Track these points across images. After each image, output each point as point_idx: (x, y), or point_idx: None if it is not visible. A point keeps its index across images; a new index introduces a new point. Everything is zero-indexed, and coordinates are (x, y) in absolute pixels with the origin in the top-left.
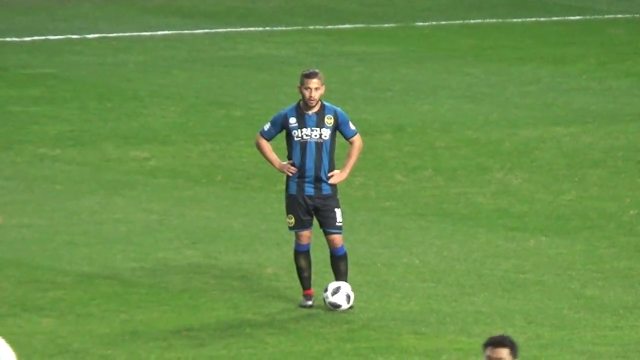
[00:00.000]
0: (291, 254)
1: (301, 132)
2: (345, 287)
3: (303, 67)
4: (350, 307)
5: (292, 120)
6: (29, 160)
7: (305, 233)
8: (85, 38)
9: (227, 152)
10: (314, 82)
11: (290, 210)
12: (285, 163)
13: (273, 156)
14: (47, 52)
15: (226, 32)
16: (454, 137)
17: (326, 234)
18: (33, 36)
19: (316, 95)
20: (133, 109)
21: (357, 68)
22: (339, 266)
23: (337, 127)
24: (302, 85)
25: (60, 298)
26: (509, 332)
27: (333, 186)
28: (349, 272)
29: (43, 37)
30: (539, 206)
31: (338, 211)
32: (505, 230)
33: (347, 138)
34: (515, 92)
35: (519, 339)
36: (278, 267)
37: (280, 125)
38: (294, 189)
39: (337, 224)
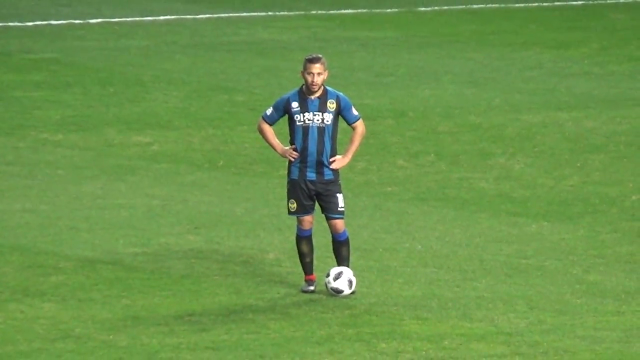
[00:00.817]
0: (293, 239)
1: (303, 116)
2: (348, 272)
3: (305, 52)
4: (353, 293)
5: (295, 105)
6: (31, 145)
7: (307, 218)
8: (88, 23)
9: (230, 137)
10: (316, 67)
11: (291, 195)
12: (287, 148)
13: (275, 141)
14: (50, 37)
15: (228, 17)
16: (457, 122)
17: (328, 219)
18: (36, 21)
19: (319, 80)
20: (135, 94)
21: (359, 53)
22: (340, 251)
23: (340, 112)
24: (305, 70)
25: (62, 283)
26: (511, 317)
27: (335, 171)
28: (351, 257)
29: (46, 22)
30: (541, 191)
31: (340, 196)
32: (508, 215)
33: (349, 123)
34: (517, 77)
35: (520, 324)
36: (280, 253)
37: (283, 109)
38: (295, 174)
39: (339, 209)
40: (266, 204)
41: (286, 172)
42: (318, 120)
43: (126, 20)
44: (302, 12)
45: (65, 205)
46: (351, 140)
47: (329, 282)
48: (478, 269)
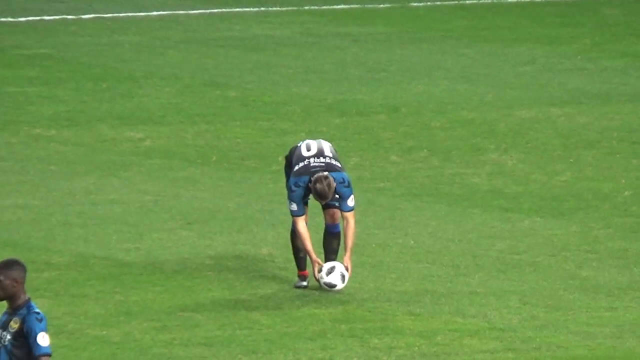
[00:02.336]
0: (286, 234)
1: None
2: (339, 266)
3: (298, 47)
4: (344, 285)
5: (307, 193)
6: (24, 140)
7: (303, 216)
8: (81, 18)
9: (222, 133)
10: (326, 200)
11: (294, 199)
12: (317, 265)
13: (312, 249)
14: (43, 32)
15: (221, 12)
16: (449, 118)
17: (326, 207)
18: (28, 16)
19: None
20: (128, 89)
21: (352, 49)
22: (331, 243)
23: (339, 199)
24: (313, 192)
25: (55, 279)
26: (504, 313)
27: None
28: (343, 251)
29: (38, 18)
30: (534, 187)
31: None
32: (500, 211)
33: (342, 212)
34: (510, 73)
35: (513, 319)
36: (273, 248)
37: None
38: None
39: (336, 195)
40: (259, 199)
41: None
42: None
43: (119, 16)
44: (295, 8)
45: (58, 201)
46: (346, 234)
47: (321, 278)
48: (471, 265)
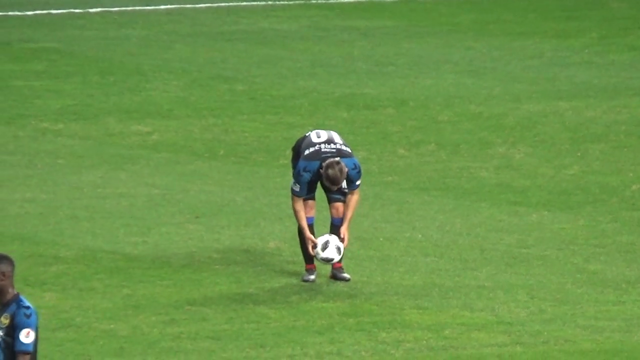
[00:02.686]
0: (294, 228)
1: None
2: (333, 239)
3: (305, 41)
4: (341, 258)
5: (315, 179)
6: (31, 134)
7: (310, 203)
8: (88, 12)
9: (230, 127)
10: (338, 186)
11: (298, 180)
12: (311, 243)
13: (307, 230)
14: (50, 26)
15: (228, 6)
16: (457, 112)
17: (331, 200)
18: (35, 10)
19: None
20: (136, 83)
21: (359, 42)
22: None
23: (346, 181)
24: (325, 178)
25: (63, 272)
26: (512, 307)
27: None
28: (351, 246)
29: (45, 11)
30: (542, 181)
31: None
32: (508, 204)
33: (349, 189)
34: (517, 67)
35: (521, 313)
36: (281, 242)
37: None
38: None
39: (343, 189)
40: (267, 193)
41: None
42: None
43: (126, 10)
44: (302, 1)
45: (66, 195)
46: (347, 205)
47: (317, 254)
48: (479, 259)
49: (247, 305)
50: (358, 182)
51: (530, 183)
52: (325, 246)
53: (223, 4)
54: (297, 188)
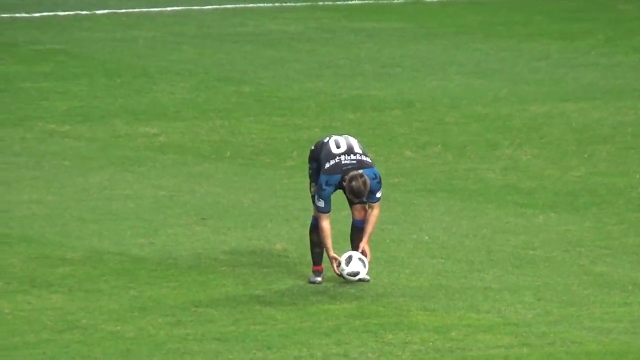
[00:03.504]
0: (300, 230)
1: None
2: (355, 254)
3: (312, 43)
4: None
5: (336, 189)
6: (38, 136)
7: (326, 214)
8: (95, 14)
9: (237, 128)
10: (361, 199)
11: (323, 196)
12: (336, 261)
13: (331, 246)
14: (57, 28)
15: (235, 8)
16: (464, 113)
17: (353, 202)
18: (42, 12)
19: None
20: (142, 85)
21: (366, 44)
22: (358, 238)
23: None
24: (347, 192)
25: (70, 274)
26: (518, 308)
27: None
28: None
29: (52, 13)
30: (548, 182)
31: None
32: (515, 206)
33: (368, 202)
34: (524, 68)
35: (528, 315)
36: (287, 243)
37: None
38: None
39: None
40: (273, 195)
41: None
42: None
43: (133, 11)
44: (309, 3)
45: (72, 196)
46: (368, 220)
47: (343, 270)
48: (485, 260)
49: (253, 306)
50: (379, 195)
51: (537, 184)
52: (348, 261)
53: (230, 6)
54: (321, 204)
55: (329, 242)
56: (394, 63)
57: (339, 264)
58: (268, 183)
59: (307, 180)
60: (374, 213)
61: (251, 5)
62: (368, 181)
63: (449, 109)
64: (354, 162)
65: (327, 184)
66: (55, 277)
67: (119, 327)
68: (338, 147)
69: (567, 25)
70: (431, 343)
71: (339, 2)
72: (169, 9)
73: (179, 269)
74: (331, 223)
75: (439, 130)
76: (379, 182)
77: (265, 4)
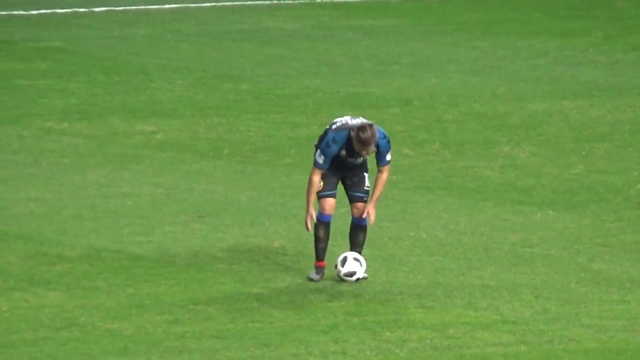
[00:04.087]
0: (298, 227)
1: (347, 158)
2: (350, 254)
3: (310, 40)
4: (364, 276)
5: (343, 152)
6: (36, 133)
7: (330, 201)
8: (93, 11)
9: (235, 126)
10: (369, 149)
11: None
12: (310, 216)
13: (312, 201)
14: (55, 25)
15: (233, 5)
16: (462, 111)
17: (352, 199)
18: (40, 9)
19: (367, 153)
20: (140, 82)
21: (364, 41)
22: (357, 236)
23: (376, 154)
24: (356, 141)
25: (67, 272)
26: (516, 306)
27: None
28: (365, 245)
29: (50, 11)
30: (546, 180)
31: (367, 175)
32: (513, 203)
33: (378, 165)
34: (522, 66)
35: (525, 313)
36: (285, 241)
37: (333, 157)
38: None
39: (365, 187)
40: (271, 192)
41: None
42: (359, 159)
43: (131, 9)
44: (307, 0)
45: (70, 194)
46: (376, 184)
47: (339, 271)
48: (483, 258)
49: (251, 304)
50: (389, 158)
51: (535, 182)
52: (344, 261)
53: (228, 3)
54: (321, 160)
55: (313, 197)
56: (392, 61)
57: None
58: (266, 181)
59: (306, 177)
60: (383, 177)
61: (249, 2)
62: (376, 133)
63: (447, 107)
64: (362, 121)
65: (333, 140)
66: (53, 274)
67: (116, 325)
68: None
69: (565, 23)
70: (429, 341)
71: (337, 0)
72: (166, 6)
73: (177, 266)
74: (330, 226)
75: (437, 128)
76: (389, 142)
77: (263, 2)
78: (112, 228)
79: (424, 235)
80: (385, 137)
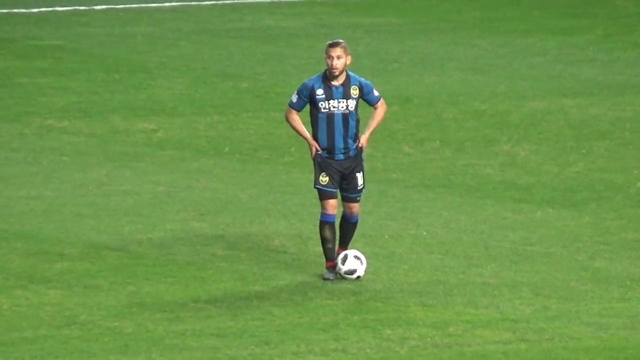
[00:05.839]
0: (299, 226)
1: (328, 104)
2: (350, 252)
3: (310, 38)
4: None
5: (319, 92)
6: (36, 131)
7: (332, 202)
8: (93, 9)
9: (235, 124)
10: (336, 51)
11: (324, 168)
12: (315, 145)
13: (305, 129)
14: (55, 23)
15: (233, 3)
16: (461, 109)
17: (345, 199)
18: (40, 7)
19: (338, 64)
20: (140, 80)
21: (364, 39)
22: (346, 232)
23: (362, 97)
24: (326, 55)
25: (68, 270)
26: (516, 304)
27: (359, 148)
28: (356, 244)
29: (50, 9)
30: (546, 178)
31: (361, 175)
32: (513, 202)
33: (371, 105)
34: (522, 64)
35: (526, 310)
36: (285, 239)
37: (308, 96)
38: (324, 155)
39: (358, 187)
40: (271, 191)
41: (309, 152)
42: (342, 107)
43: (131, 7)
44: None
45: (71, 192)
46: (373, 117)
47: (339, 269)
48: (483, 256)
49: (251, 302)
50: (377, 93)
51: (535, 180)
52: (344, 259)
53: (228, 2)
54: (294, 98)
55: (302, 129)
56: (392, 59)
57: (317, 150)
58: (266, 179)
59: (306, 176)
60: (379, 112)
61: (249, 0)
62: (346, 46)
63: (447, 105)
64: None
65: (309, 79)
66: (54, 272)
67: (117, 323)
68: None
69: (565, 21)
70: (429, 338)
71: None
72: (167, 4)
73: (177, 264)
74: (334, 226)
75: (437, 126)
76: (368, 80)
77: (263, 0)
78: (112, 226)
79: (424, 233)
80: (362, 78)
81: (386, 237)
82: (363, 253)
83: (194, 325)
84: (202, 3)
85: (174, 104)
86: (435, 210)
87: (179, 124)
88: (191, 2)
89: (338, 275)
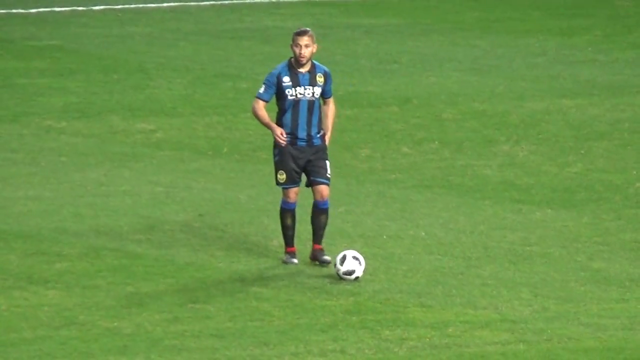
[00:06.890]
0: (297, 226)
1: (295, 90)
2: (349, 252)
3: None
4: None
5: (286, 79)
6: (34, 132)
7: (294, 190)
8: (91, 10)
9: (234, 124)
10: (304, 40)
11: (281, 166)
12: (280, 130)
13: (270, 121)
14: (53, 24)
15: (232, 4)
16: (460, 110)
17: (314, 184)
18: (39, 8)
19: (306, 52)
20: (139, 81)
21: (363, 40)
22: (319, 219)
23: (324, 87)
24: (293, 43)
25: (66, 270)
26: (515, 305)
27: (323, 139)
28: (355, 244)
29: (49, 9)
30: (545, 178)
31: (328, 163)
32: (512, 202)
33: (325, 97)
34: (521, 65)
35: (525, 311)
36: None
37: (275, 84)
38: (287, 140)
39: (327, 174)
40: (270, 191)
41: (273, 144)
42: (309, 94)
43: (130, 7)
44: None
45: (69, 192)
46: (327, 114)
47: (338, 270)
48: (482, 256)
49: (250, 303)
50: (330, 87)
51: (534, 181)
52: (343, 260)
53: (227, 2)
54: (262, 90)
55: (267, 120)
56: (391, 59)
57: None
58: (265, 179)
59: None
60: (332, 108)
61: (248, 1)
62: (313, 34)
63: (446, 105)
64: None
65: (274, 68)
66: (52, 273)
67: (116, 324)
68: None
69: (564, 22)
70: (428, 339)
71: None
72: (165, 5)
73: (176, 265)
74: (295, 213)
75: (436, 127)
76: (329, 72)
77: (263, 0)
78: (111, 227)
79: (423, 234)
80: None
81: (385, 237)
82: (362, 253)
83: (192, 326)
84: (201, 3)
85: (172, 104)
86: (434, 210)
87: (178, 124)
88: (190, 2)
89: (336, 276)
